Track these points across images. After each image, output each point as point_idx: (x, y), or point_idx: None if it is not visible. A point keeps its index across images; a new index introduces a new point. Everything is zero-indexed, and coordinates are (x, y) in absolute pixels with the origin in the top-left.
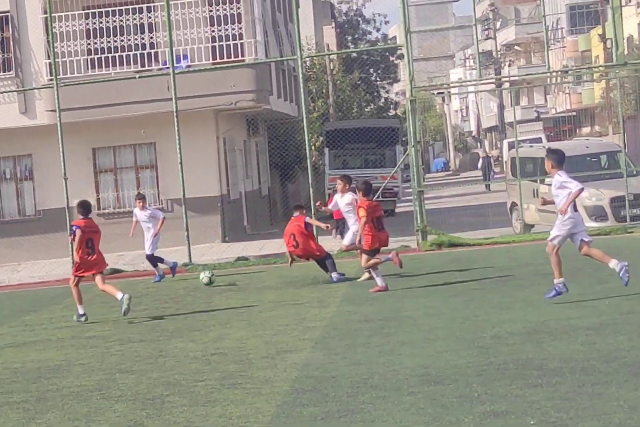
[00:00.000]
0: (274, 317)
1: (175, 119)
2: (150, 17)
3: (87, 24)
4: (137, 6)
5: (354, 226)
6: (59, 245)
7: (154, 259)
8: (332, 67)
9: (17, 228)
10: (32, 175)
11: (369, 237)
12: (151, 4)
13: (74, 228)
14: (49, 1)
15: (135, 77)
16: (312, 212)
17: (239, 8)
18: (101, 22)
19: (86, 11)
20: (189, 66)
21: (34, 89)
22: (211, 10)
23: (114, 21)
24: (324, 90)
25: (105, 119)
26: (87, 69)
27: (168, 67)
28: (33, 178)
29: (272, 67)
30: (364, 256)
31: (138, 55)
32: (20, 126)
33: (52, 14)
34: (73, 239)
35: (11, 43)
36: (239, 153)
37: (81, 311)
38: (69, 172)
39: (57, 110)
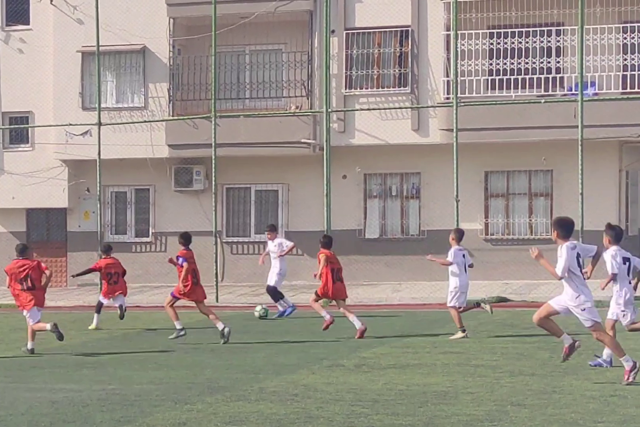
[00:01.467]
0: None
1: (579, 147)
2: (558, 41)
3: (491, 43)
4: (545, 29)
5: None
6: (442, 267)
7: (276, 294)
8: None
9: (399, 247)
10: (418, 194)
11: None
12: (561, 28)
13: (181, 260)
14: (454, 19)
15: (539, 102)
16: None
17: None
18: (505, 43)
19: (491, 31)
20: (595, 94)
21: (430, 106)
22: (625, 38)
23: (520, 42)
24: None
25: (501, 142)
26: (487, 89)
27: (574, 94)
28: (420, 197)
29: None
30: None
31: (542, 79)
32: (411, 143)
33: (456, 32)
34: (180, 270)
35: (409, 58)
36: None
37: (179, 326)
38: (459, 194)
39: (455, 130)
